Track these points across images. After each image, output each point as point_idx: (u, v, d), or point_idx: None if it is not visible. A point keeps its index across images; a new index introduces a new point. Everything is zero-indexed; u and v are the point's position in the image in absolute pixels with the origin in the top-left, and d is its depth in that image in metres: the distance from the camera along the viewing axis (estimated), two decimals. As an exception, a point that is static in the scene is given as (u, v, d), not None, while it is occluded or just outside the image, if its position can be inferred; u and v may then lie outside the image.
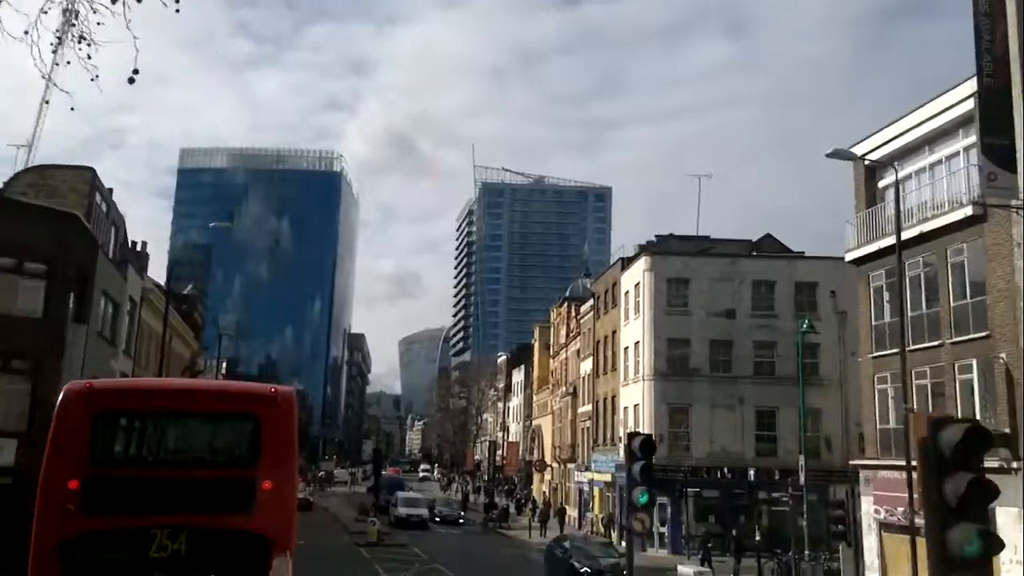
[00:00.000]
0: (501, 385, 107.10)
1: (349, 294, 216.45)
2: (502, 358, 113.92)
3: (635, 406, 39.77)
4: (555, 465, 60.29)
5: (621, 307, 43.28)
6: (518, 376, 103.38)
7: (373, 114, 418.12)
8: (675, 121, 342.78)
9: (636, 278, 40.92)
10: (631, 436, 17.82)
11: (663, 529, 37.25)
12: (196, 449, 9.20)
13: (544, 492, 65.67)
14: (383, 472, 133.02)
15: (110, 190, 31.09)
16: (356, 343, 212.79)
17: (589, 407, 49.40)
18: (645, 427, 38.29)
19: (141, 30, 6.94)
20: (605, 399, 45.86)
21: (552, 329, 66.96)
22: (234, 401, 9.63)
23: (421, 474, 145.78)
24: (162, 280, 41.54)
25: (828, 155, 20.03)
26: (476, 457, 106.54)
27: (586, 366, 51.00)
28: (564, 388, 58.14)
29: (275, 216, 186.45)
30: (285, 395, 9.16)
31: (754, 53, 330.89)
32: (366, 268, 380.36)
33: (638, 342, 40.05)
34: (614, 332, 44.80)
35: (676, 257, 40.47)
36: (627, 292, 42.62)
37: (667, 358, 38.72)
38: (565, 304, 60.12)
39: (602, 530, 44.41)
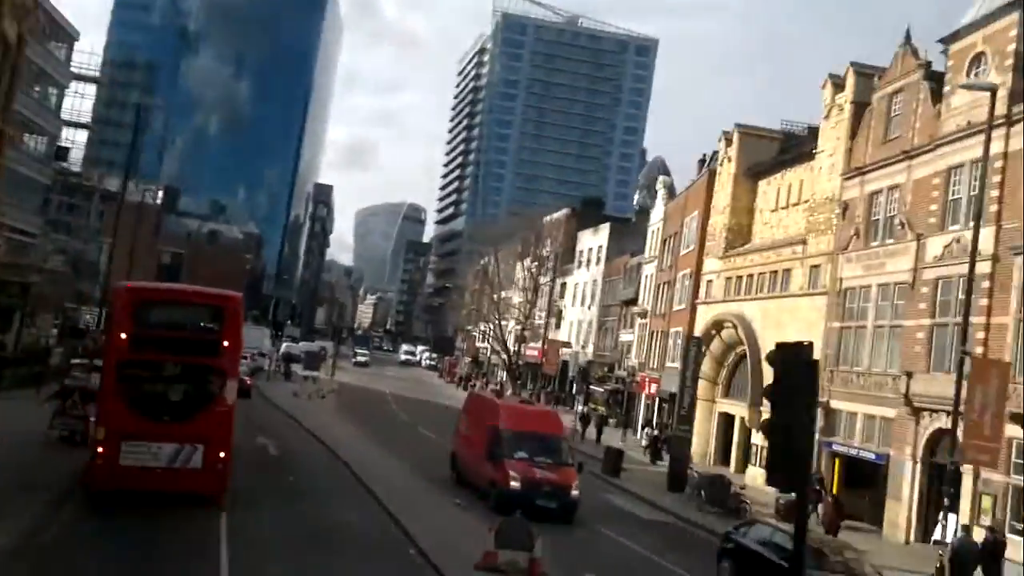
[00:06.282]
0: (546, 251, 70.32)
1: (321, 139, 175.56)
2: (559, 214, 77.46)
3: None
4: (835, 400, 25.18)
5: None
6: (593, 240, 68.36)
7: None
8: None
9: None
10: None
11: None
12: (189, 322, 17.47)
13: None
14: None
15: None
16: (322, 194, 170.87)
17: None
18: None
19: None
20: None
21: (837, 120, 30.94)
22: (209, 298, 18.80)
23: (403, 356, 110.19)
24: None
25: None
26: (537, 348, 64.82)
27: None
28: (921, 233, 22.77)
29: (238, 43, 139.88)
30: (236, 297, 18.17)
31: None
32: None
33: None
34: None
35: None
36: None
37: None
38: (912, 56, 23.54)
39: None
